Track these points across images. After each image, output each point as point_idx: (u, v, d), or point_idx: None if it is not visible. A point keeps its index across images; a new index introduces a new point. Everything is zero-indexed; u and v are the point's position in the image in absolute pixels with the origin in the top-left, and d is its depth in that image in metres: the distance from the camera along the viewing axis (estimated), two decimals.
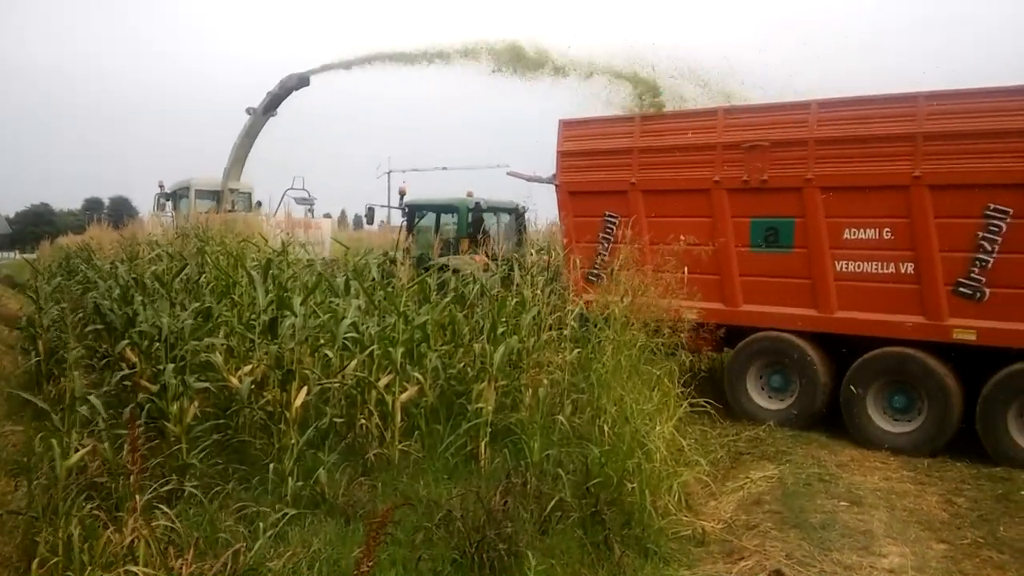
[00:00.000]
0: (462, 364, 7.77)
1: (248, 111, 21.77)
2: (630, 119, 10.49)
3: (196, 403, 6.19)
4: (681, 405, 6.93)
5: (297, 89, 20.92)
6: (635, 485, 5.78)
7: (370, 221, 16.55)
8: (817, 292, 8.79)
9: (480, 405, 6.85)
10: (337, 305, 7.57)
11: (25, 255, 39.26)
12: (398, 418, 6.80)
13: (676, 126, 10.13)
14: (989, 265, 7.78)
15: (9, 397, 8.73)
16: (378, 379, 6.84)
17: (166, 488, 5.21)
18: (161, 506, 4.83)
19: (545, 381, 7.05)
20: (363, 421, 6.86)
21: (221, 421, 6.64)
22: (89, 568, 4.14)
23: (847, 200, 8.64)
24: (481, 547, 4.86)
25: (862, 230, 8.53)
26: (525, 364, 7.41)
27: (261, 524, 4.94)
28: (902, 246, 8.21)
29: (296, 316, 6.40)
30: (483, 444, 6.80)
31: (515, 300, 7.92)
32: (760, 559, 5.41)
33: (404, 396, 6.86)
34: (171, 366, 6.22)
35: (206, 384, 6.50)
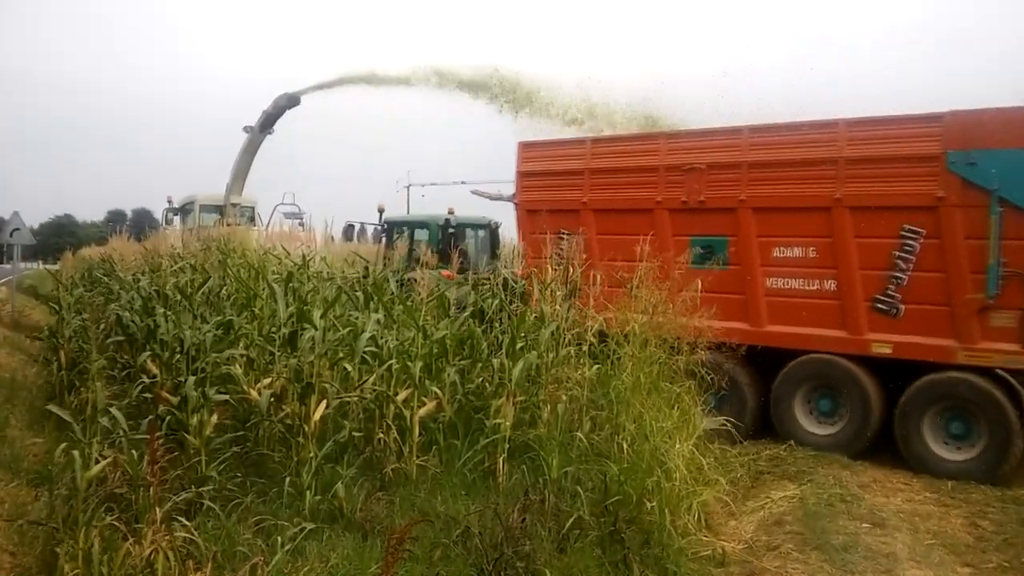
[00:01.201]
0: (480, 379, 7.76)
1: (245, 129, 23.05)
2: (582, 142, 11.21)
3: (216, 415, 6.21)
4: (700, 423, 6.87)
5: (289, 108, 22.30)
6: (654, 504, 5.72)
7: (348, 237, 17.03)
8: (749, 307, 9.24)
9: (498, 421, 6.82)
10: (356, 319, 7.59)
11: (48, 266, 39.68)
12: (416, 433, 6.79)
13: (623, 149, 10.79)
14: (904, 283, 8.34)
15: (31, 407, 8.81)
16: (396, 393, 6.83)
17: (185, 500, 5.22)
18: (180, 518, 4.84)
19: (564, 397, 7.01)
20: (381, 435, 6.85)
21: (240, 434, 6.66)
22: None
23: (776, 220, 9.19)
24: (499, 565, 4.83)
25: (790, 248, 9.07)
26: (543, 380, 7.37)
27: (279, 538, 4.93)
28: (826, 264, 8.75)
29: (316, 329, 6.41)
30: (501, 460, 6.77)
31: (534, 315, 7.90)
32: None
33: (422, 411, 6.85)
34: (192, 378, 6.25)
35: (226, 396, 6.53)
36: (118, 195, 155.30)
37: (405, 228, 14.78)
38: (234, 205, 22.83)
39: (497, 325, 8.35)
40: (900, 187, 8.38)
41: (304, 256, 8.61)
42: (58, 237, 70.97)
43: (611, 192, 10.61)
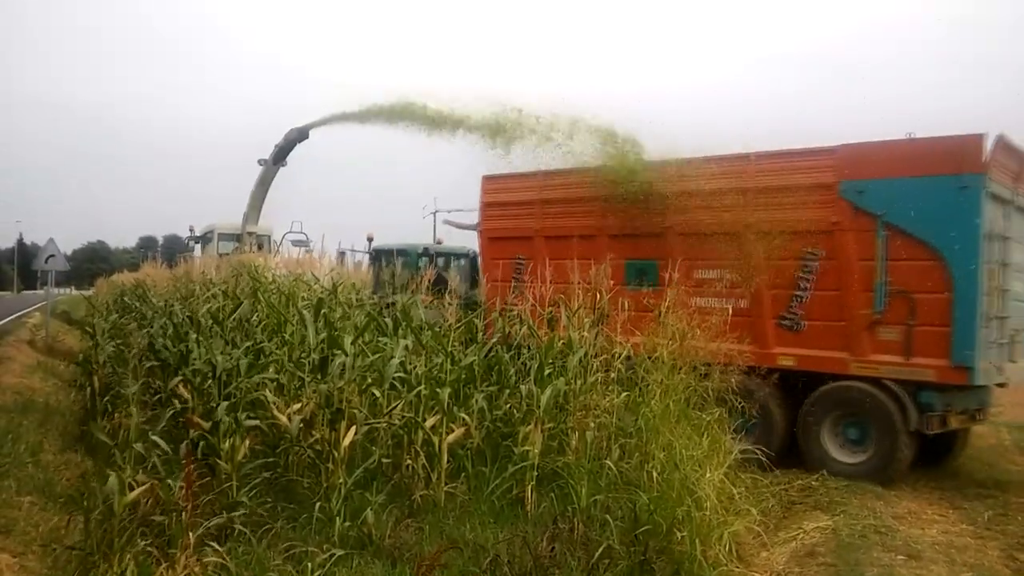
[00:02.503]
0: (508, 406, 7.75)
1: (260, 162, 24.43)
2: (535, 175, 12.13)
3: (247, 441, 6.26)
4: (731, 451, 6.80)
5: (299, 142, 23.64)
6: (685, 534, 5.65)
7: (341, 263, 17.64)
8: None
9: (526, 448, 6.81)
10: (385, 345, 7.63)
11: (81, 291, 40.34)
12: (444, 459, 6.79)
13: (569, 181, 11.75)
14: (805, 300, 9.17)
15: (64, 432, 8.93)
16: (425, 419, 6.85)
17: (216, 525, 5.25)
18: (212, 543, 4.87)
19: (592, 424, 6.99)
20: (409, 462, 6.87)
21: (270, 459, 6.70)
22: None
23: (698, 245, 10.00)
24: None
25: (709, 270, 9.86)
26: (572, 407, 7.36)
27: (309, 564, 4.94)
28: (739, 284, 9.31)
29: (346, 355, 6.46)
30: (529, 488, 6.75)
31: (561, 342, 7.90)
32: None
33: (451, 437, 6.85)
34: (224, 403, 6.30)
35: (256, 422, 6.58)
36: (150, 222, 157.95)
37: (388, 256, 15.50)
38: (250, 234, 24.18)
39: (525, 351, 8.35)
40: (801, 214, 9.21)
41: (335, 283, 8.69)
42: (91, 263, 72.32)
43: (559, 220, 11.72)
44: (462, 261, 15.83)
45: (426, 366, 7.30)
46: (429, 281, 9.28)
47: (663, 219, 10.35)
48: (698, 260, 9.94)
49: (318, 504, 5.88)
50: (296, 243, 20.35)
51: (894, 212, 8.65)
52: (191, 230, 28.08)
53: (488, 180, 12.72)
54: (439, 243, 15.80)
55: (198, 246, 27.17)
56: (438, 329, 7.82)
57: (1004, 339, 8.89)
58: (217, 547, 4.83)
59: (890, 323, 8.62)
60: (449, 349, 7.43)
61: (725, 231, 9.70)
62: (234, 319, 8.46)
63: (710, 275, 9.83)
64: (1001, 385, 9.51)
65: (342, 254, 17.03)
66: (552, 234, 11.66)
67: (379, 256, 15.37)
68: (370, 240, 16.03)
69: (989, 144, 8.37)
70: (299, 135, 23.55)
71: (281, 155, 24.10)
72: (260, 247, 22.49)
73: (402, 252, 15.17)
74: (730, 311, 8.81)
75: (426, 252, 15.45)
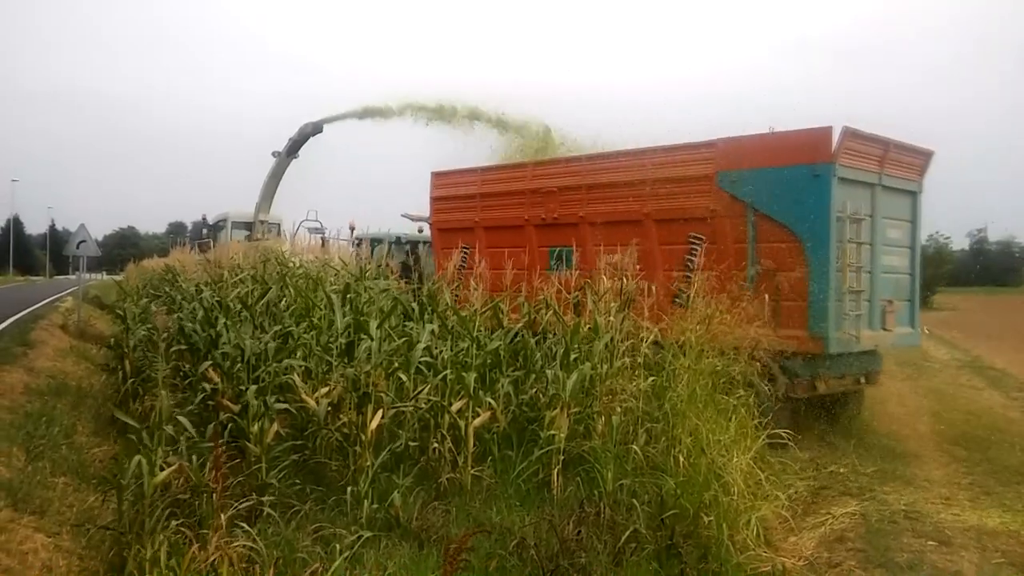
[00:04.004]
0: (534, 390, 7.75)
1: (273, 154, 25.33)
2: (475, 171, 13.67)
3: (276, 424, 6.32)
4: (758, 436, 6.75)
5: (313, 135, 24.56)
6: (712, 518, 5.64)
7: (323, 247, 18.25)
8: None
9: (552, 432, 6.81)
10: (411, 329, 7.66)
11: (112, 276, 40.87)
12: (471, 443, 6.82)
13: (503, 176, 13.22)
14: (693, 279, 9.12)
15: (96, 414, 9.07)
16: (451, 404, 6.88)
17: (246, 507, 5.31)
18: (242, 524, 4.93)
19: (618, 409, 6.97)
20: (436, 445, 6.90)
21: (299, 442, 6.76)
22: None
23: (606, 232, 10.82)
24: None
25: (616, 255, 9.87)
26: (598, 391, 7.34)
27: (337, 546, 4.99)
28: (642, 267, 9.46)
29: (372, 340, 6.49)
30: (555, 472, 6.76)
31: (588, 326, 7.88)
32: None
33: (477, 421, 6.88)
34: (253, 387, 6.36)
35: (285, 405, 6.63)
36: (178, 208, 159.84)
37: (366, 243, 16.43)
38: (262, 222, 25.17)
39: (551, 336, 8.36)
40: (687, 202, 10.32)
41: (362, 269, 8.73)
42: (121, 249, 73.17)
43: (495, 212, 12.96)
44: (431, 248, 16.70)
45: (452, 351, 7.32)
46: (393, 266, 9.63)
47: (577, 209, 11.62)
48: (607, 246, 10.28)
49: (346, 486, 5.94)
50: (312, 230, 20.95)
51: (760, 199, 9.64)
52: (204, 218, 29.30)
53: (436, 176, 14.15)
54: (420, 231, 16.69)
55: (221, 233, 27.76)
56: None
57: (860, 311, 9.64)
58: (247, 528, 4.88)
59: (759, 299, 8.98)
60: (475, 334, 7.44)
61: (629, 219, 10.85)
62: (262, 304, 8.52)
63: (618, 259, 10.20)
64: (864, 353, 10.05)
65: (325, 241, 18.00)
66: (490, 225, 12.93)
67: (359, 243, 15.89)
68: (352, 229, 16.67)
69: (836, 135, 9.26)
70: (313, 129, 24.42)
71: (294, 148, 24.90)
72: (279, 234, 23.07)
73: (377, 240, 16.09)
74: (636, 292, 9.21)
75: (398, 240, 16.99)
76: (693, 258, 9.67)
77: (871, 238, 9.97)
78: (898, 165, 10.47)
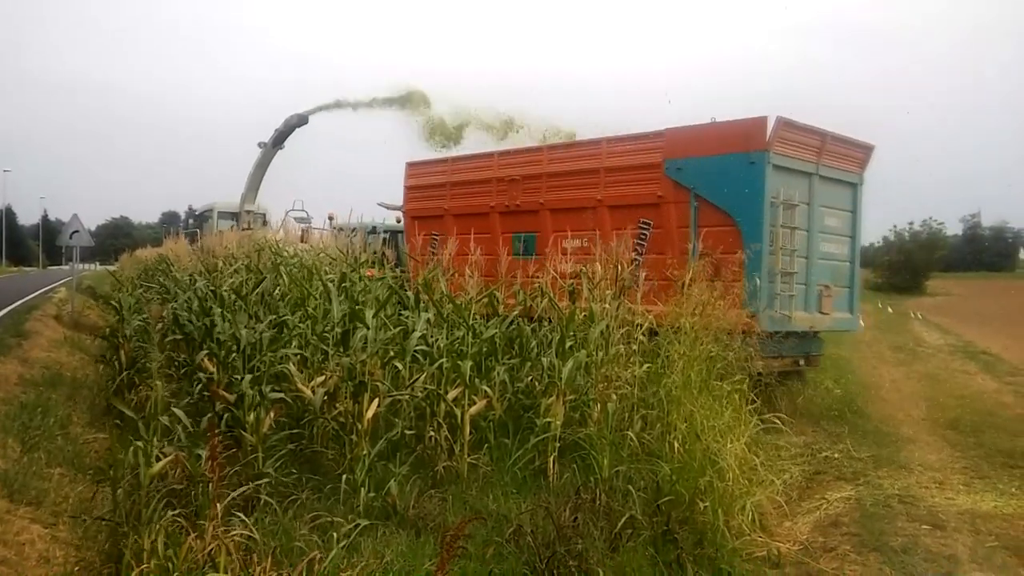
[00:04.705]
0: (529, 378, 7.76)
1: (259, 145, 25.58)
2: (445, 160, 14.50)
3: (272, 413, 6.32)
4: (752, 421, 6.78)
5: (299, 127, 24.97)
6: (707, 504, 5.66)
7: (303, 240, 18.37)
8: (553, 289, 10.02)
9: (548, 419, 6.83)
10: (407, 318, 7.65)
11: (105, 266, 40.76)
12: (467, 431, 6.83)
13: (471, 166, 13.82)
14: (641, 264, 9.79)
15: (91, 405, 9.05)
16: (447, 392, 6.88)
17: (243, 496, 5.31)
18: (239, 514, 4.93)
19: (614, 396, 6.98)
20: (432, 434, 6.91)
21: (295, 431, 6.76)
22: (174, 575, 4.24)
23: (564, 218, 11.54)
24: (551, 563, 4.84)
25: (574, 240, 10.87)
26: (593, 378, 7.35)
27: (334, 534, 4.99)
28: (595, 252, 9.46)
29: (368, 328, 6.48)
30: (551, 459, 6.78)
31: (583, 314, 7.88)
32: None
33: (473, 409, 6.89)
34: (248, 376, 6.35)
35: (281, 394, 6.63)
36: (172, 197, 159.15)
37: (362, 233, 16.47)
38: (248, 212, 25.43)
39: (546, 323, 8.36)
40: (637, 189, 10.93)
41: (356, 257, 8.72)
42: (115, 239, 72.93)
43: (463, 200, 13.55)
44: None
45: (448, 339, 7.32)
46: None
47: (538, 197, 12.24)
48: (565, 232, 11.10)
49: (342, 475, 5.95)
50: (298, 220, 21.33)
51: (702, 185, 10.23)
52: (191, 208, 29.30)
53: (410, 166, 14.85)
54: (398, 221, 17.11)
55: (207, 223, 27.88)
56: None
57: (793, 292, 10.06)
58: (243, 517, 4.88)
59: (700, 281, 9.07)
60: (471, 322, 7.44)
61: (584, 206, 11.41)
62: (257, 293, 8.50)
63: (575, 244, 10.78)
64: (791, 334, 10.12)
65: (305, 231, 18.04)
66: (458, 212, 13.53)
67: (355, 232, 16.12)
68: (331, 219, 17.06)
69: (771, 125, 9.77)
70: (299, 120, 24.84)
71: (280, 139, 25.24)
72: (265, 223, 23.35)
73: (355, 230, 16.08)
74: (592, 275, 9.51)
75: (374, 230, 17.55)
76: (643, 243, 10.42)
77: (808, 225, 10.44)
78: (836, 156, 10.91)
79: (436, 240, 13.15)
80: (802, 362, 10.75)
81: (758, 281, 9.32)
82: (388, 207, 16.78)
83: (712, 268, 9.32)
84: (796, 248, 10.16)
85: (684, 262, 9.33)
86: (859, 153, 11.42)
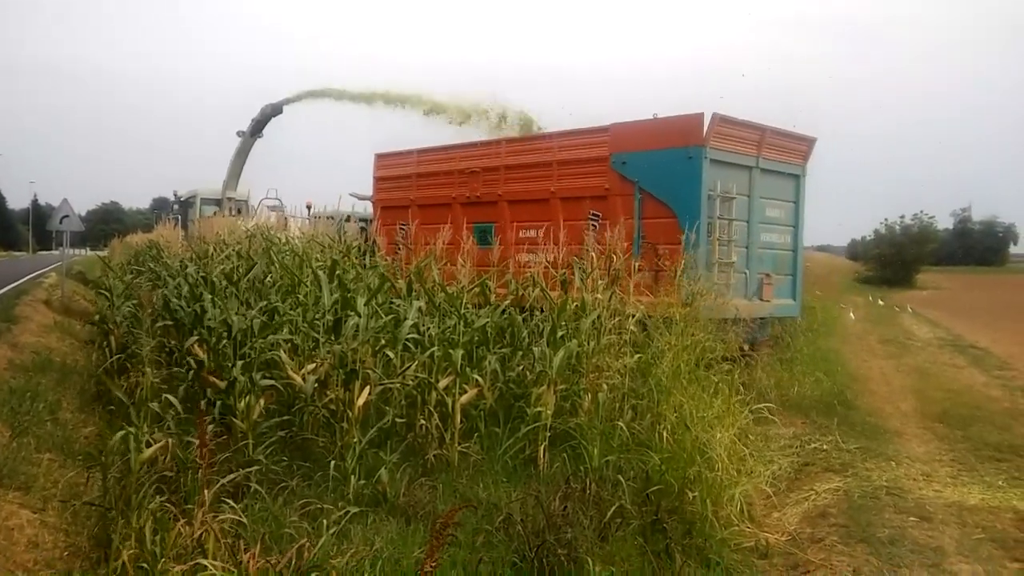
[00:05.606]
0: (521, 367, 7.77)
1: (238, 134, 25.93)
2: (412, 152, 14.81)
3: (263, 400, 6.31)
4: (742, 412, 6.80)
5: (274, 116, 25.30)
6: (696, 494, 5.70)
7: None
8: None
9: (539, 409, 6.84)
10: (399, 306, 7.65)
11: (96, 252, 40.55)
12: (458, 420, 6.84)
13: (434, 158, 14.35)
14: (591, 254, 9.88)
15: (81, 391, 9.02)
16: (438, 380, 6.88)
17: (232, 482, 5.31)
18: (228, 500, 4.93)
19: (604, 386, 7.00)
20: (423, 422, 6.92)
21: (286, 418, 6.76)
22: (161, 560, 4.24)
23: (520, 209, 12.28)
24: (541, 552, 4.85)
25: (529, 230, 11.43)
26: (584, 368, 7.37)
27: (324, 521, 5.00)
28: (548, 241, 9.89)
29: (360, 316, 6.47)
30: (542, 448, 6.80)
31: (575, 304, 7.89)
32: (826, 573, 5.28)
33: (464, 398, 6.89)
34: (239, 363, 6.34)
35: (271, 381, 6.62)
36: (163, 182, 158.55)
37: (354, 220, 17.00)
38: (230, 199, 25.79)
39: (538, 313, 8.38)
40: (586, 182, 11.43)
41: (348, 246, 8.70)
42: (105, 224, 72.54)
43: (427, 191, 14.17)
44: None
45: (439, 328, 7.32)
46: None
47: (496, 188, 12.77)
48: (521, 222, 11.93)
49: (333, 463, 5.95)
50: (272, 208, 21.77)
51: (645, 179, 10.74)
52: (175, 194, 29.58)
53: (379, 157, 15.40)
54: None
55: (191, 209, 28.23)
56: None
57: (731, 281, 10.52)
58: (233, 504, 4.88)
59: (644, 269, 9.73)
60: (462, 311, 7.44)
61: (538, 198, 11.99)
62: (248, 280, 8.48)
63: (530, 234, 11.31)
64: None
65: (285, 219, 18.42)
66: (423, 203, 14.12)
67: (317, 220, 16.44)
68: (309, 207, 17.37)
69: (707, 121, 10.23)
70: (273, 110, 25.13)
71: (257, 128, 25.60)
72: (239, 211, 23.51)
73: (331, 218, 16.76)
74: (544, 264, 9.68)
75: (348, 219, 17.61)
76: (592, 233, 10.30)
77: (747, 216, 10.98)
78: (776, 149, 11.33)
79: (403, 230, 13.21)
80: (746, 347, 10.78)
81: (695, 269, 9.49)
82: (360, 197, 17.23)
83: (654, 257, 10.10)
84: (734, 239, 10.62)
85: (629, 251, 9.73)
86: (800, 146, 11.78)
